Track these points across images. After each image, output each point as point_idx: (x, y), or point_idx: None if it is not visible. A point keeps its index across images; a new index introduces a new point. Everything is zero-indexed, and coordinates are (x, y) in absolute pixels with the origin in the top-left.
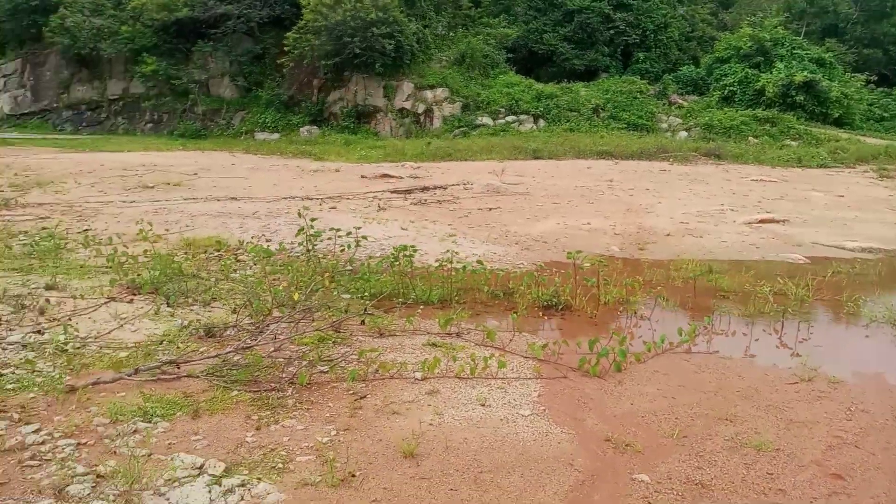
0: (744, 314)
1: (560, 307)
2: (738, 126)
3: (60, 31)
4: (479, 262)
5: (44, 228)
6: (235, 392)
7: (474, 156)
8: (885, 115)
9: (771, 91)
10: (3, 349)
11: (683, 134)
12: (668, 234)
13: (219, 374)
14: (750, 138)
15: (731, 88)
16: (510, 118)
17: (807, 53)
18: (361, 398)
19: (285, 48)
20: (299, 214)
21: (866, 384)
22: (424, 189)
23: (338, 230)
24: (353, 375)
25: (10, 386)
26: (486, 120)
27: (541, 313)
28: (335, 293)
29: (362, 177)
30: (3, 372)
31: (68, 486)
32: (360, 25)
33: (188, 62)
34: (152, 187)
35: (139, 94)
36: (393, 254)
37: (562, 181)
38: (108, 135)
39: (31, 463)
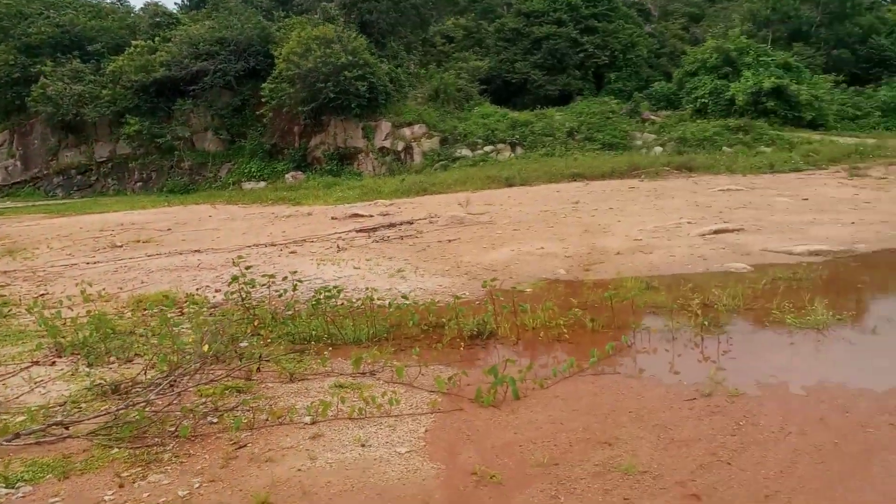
0: (666, 330)
1: (486, 336)
2: (712, 137)
3: (43, 99)
4: (403, 297)
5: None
6: (115, 450)
7: (450, 188)
8: (859, 113)
9: (741, 100)
10: None
11: (658, 149)
12: (619, 253)
13: (104, 432)
14: (724, 148)
15: (703, 100)
16: (488, 148)
17: (772, 60)
18: (241, 447)
19: (263, 99)
20: (234, 263)
21: (767, 395)
22: (391, 226)
23: (272, 276)
24: (237, 424)
25: None
26: (465, 152)
27: (462, 344)
28: (272, 340)
29: (332, 218)
30: None
31: None
32: (331, 70)
33: (171, 119)
34: (120, 246)
35: (126, 154)
36: (315, 296)
37: (528, 207)
38: (97, 196)
39: None
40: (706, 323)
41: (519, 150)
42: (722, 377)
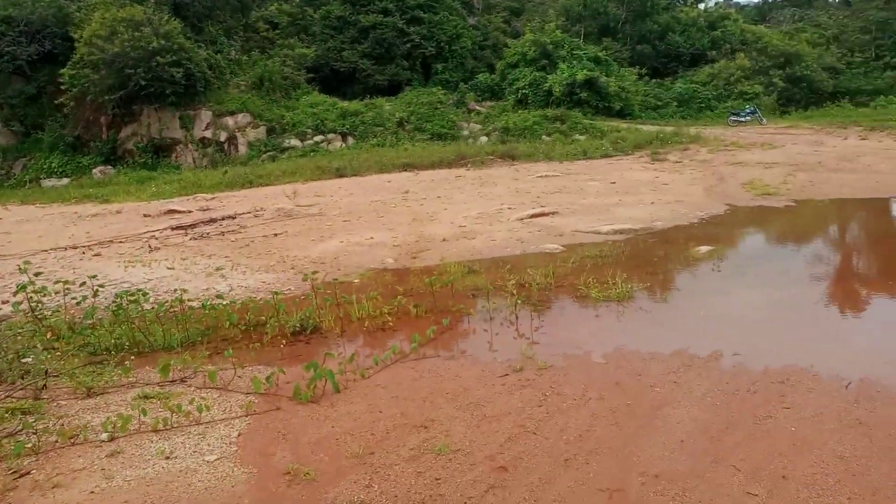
0: (485, 310)
1: (309, 331)
2: (532, 126)
3: None
4: (219, 296)
5: None
6: None
7: (277, 180)
8: (659, 103)
9: (558, 91)
10: None
11: (484, 139)
12: (444, 240)
13: None
14: (543, 136)
15: (524, 91)
16: (318, 138)
17: (584, 53)
18: (22, 475)
19: (62, 86)
20: (21, 270)
21: (572, 366)
22: (211, 221)
23: (68, 283)
24: (18, 450)
25: None
26: (295, 142)
27: (284, 341)
28: (67, 352)
29: (145, 216)
30: None
31: None
32: (141, 55)
33: None
34: None
35: None
36: (116, 300)
37: (359, 198)
38: None
39: None
40: (520, 301)
41: (350, 140)
42: (533, 352)
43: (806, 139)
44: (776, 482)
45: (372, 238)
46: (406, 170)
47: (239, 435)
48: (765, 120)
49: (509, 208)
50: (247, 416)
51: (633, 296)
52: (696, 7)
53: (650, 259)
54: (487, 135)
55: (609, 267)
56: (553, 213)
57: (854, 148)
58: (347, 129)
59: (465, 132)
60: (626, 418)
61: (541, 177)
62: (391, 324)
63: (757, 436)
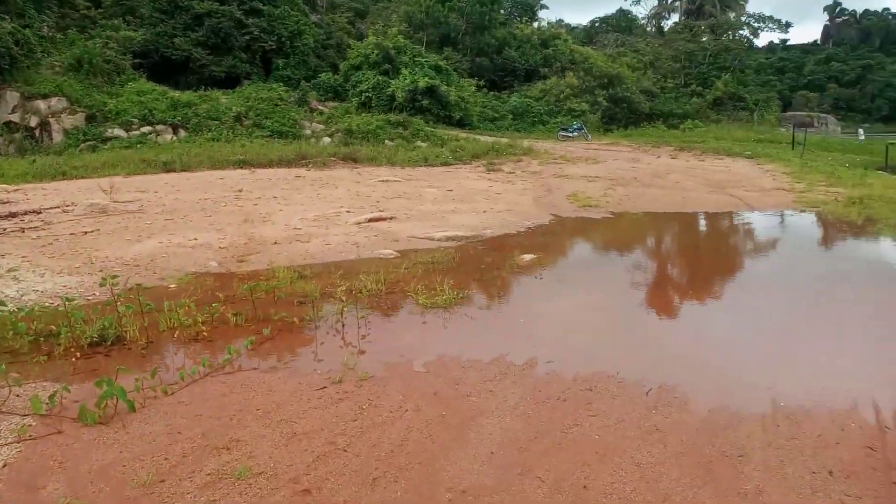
0: (310, 319)
1: (111, 343)
2: (375, 130)
3: None
4: (0, 303)
5: None
6: None
7: (95, 172)
8: (496, 115)
9: (400, 96)
10: None
11: (327, 140)
12: (276, 243)
13: None
14: (386, 141)
15: (367, 94)
16: (146, 129)
17: (426, 61)
18: None
19: None
20: None
21: (393, 376)
22: (10, 216)
23: None
24: None
25: None
26: (119, 132)
27: (78, 354)
28: None
29: None
30: None
31: None
32: None
33: None
34: None
35: None
36: None
37: (186, 195)
38: None
39: None
40: (348, 309)
41: (182, 133)
42: (355, 362)
43: (625, 156)
44: (578, 493)
45: (196, 239)
46: (242, 167)
47: (4, 465)
48: (590, 136)
49: (348, 211)
50: (19, 442)
51: (460, 302)
52: (531, 25)
53: (478, 266)
54: (331, 136)
55: (439, 273)
56: (391, 218)
57: (665, 166)
58: (179, 121)
59: (308, 132)
60: (441, 430)
61: (382, 181)
62: (205, 334)
63: (563, 445)
